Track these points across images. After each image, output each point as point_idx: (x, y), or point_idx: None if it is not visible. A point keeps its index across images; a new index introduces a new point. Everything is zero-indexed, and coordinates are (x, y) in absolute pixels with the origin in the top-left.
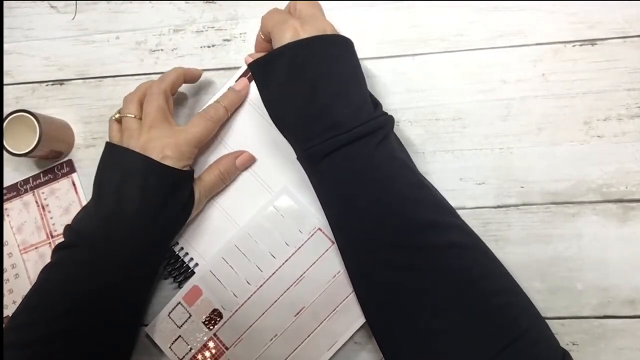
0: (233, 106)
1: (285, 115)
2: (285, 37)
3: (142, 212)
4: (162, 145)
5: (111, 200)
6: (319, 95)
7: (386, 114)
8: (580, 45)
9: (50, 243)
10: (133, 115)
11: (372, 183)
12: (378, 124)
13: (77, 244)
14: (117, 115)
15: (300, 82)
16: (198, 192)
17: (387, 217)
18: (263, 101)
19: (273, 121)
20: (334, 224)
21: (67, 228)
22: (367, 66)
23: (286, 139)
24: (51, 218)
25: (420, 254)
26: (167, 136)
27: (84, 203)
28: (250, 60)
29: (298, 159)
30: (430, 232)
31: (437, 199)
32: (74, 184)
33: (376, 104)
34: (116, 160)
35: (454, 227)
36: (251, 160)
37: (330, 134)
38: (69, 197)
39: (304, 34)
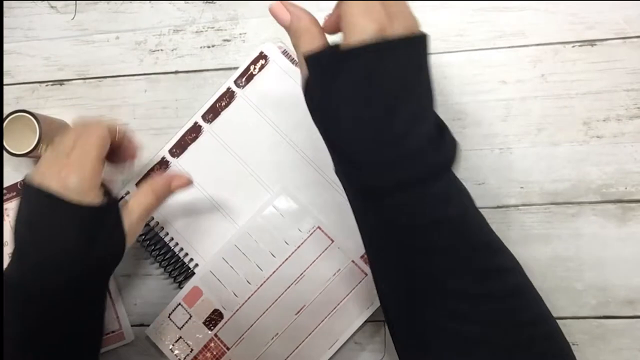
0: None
1: (344, 130)
2: (367, 28)
3: (67, 256)
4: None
5: (30, 245)
6: (394, 119)
7: (454, 140)
8: (580, 45)
9: None
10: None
11: (446, 227)
12: (451, 158)
13: (8, 294)
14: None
15: (375, 96)
16: (130, 220)
17: (456, 265)
18: (314, 106)
19: (321, 130)
20: (383, 268)
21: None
22: None
23: (331, 151)
24: None
25: (482, 302)
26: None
27: None
28: (285, 14)
29: (347, 183)
30: (495, 279)
31: (501, 242)
32: None
33: (441, 126)
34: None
35: (513, 271)
36: (187, 184)
37: (402, 168)
38: None
39: (390, 31)
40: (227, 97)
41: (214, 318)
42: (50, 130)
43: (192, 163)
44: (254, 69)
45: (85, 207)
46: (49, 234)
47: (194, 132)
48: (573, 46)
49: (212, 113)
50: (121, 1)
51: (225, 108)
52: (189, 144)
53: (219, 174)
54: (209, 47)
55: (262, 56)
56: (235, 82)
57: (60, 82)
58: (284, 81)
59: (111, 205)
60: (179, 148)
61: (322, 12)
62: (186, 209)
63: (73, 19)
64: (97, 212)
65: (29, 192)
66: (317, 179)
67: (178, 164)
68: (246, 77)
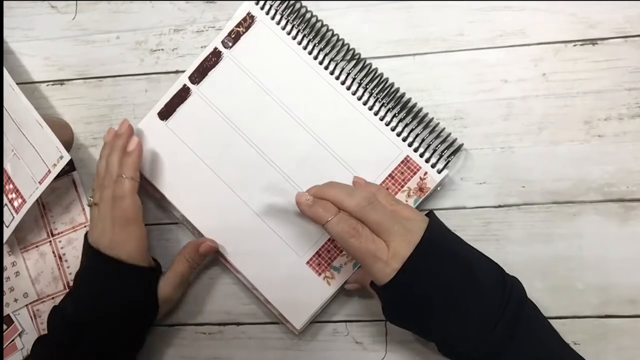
0: (137, 169)
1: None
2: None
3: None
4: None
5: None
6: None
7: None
8: (581, 44)
9: (50, 241)
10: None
11: None
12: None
13: (63, 338)
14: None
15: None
16: (168, 289)
17: None
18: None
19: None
20: None
21: (57, 313)
22: None
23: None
24: (52, 217)
25: None
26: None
27: (84, 202)
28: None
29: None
30: None
31: None
32: (74, 183)
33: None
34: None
35: None
36: (213, 249)
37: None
38: (70, 196)
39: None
40: (214, 57)
41: None
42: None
43: (182, 126)
44: (241, 29)
45: (145, 268)
46: (111, 289)
47: (183, 93)
48: (574, 45)
49: (199, 74)
50: (121, 1)
51: (212, 68)
52: (178, 106)
53: (208, 136)
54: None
55: (249, 16)
56: (223, 42)
57: (61, 82)
58: (272, 41)
59: (157, 270)
60: (169, 110)
61: (322, 11)
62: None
63: (73, 19)
64: (151, 273)
65: (94, 255)
66: (307, 138)
67: (167, 127)
68: (233, 37)
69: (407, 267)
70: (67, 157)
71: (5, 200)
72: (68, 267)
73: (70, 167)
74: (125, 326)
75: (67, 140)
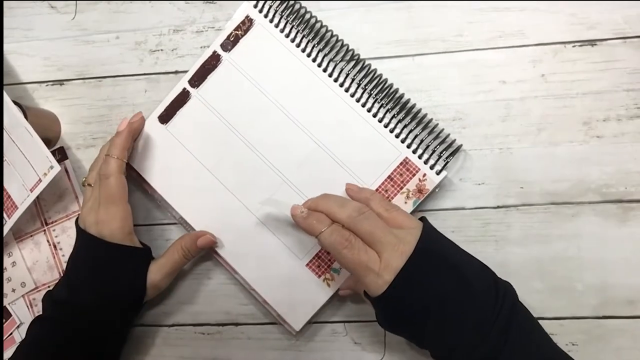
0: (124, 149)
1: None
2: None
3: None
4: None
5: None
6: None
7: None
8: (580, 45)
9: (45, 230)
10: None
11: None
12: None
13: (54, 318)
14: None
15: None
16: (158, 275)
17: None
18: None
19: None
20: None
21: (49, 298)
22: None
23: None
24: (45, 205)
25: None
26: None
27: (78, 192)
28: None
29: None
30: None
31: None
32: (66, 171)
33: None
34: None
35: None
36: (211, 243)
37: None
38: (62, 185)
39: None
40: (213, 60)
41: None
42: (38, 122)
43: (181, 129)
44: (240, 32)
45: (127, 247)
46: (95, 266)
47: (183, 96)
48: (573, 46)
49: (199, 77)
50: (121, 1)
51: (211, 72)
52: (178, 109)
53: (208, 139)
54: (209, 47)
55: (247, 19)
56: (221, 45)
57: (60, 82)
58: (270, 44)
59: (143, 253)
60: (169, 114)
61: (322, 12)
62: (181, 174)
63: (73, 19)
64: (134, 252)
65: (80, 234)
66: (306, 141)
67: (167, 131)
68: (232, 40)
69: (399, 279)
70: (57, 168)
71: None
72: (63, 256)
73: (62, 155)
74: (110, 304)
75: (56, 129)
